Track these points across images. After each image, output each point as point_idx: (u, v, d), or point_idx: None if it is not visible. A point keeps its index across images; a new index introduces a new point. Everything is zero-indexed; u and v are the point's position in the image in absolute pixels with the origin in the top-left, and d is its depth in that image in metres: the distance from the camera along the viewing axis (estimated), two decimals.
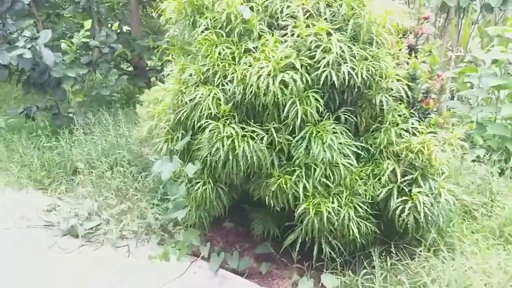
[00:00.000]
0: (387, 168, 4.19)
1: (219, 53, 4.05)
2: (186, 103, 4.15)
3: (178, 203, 4.46)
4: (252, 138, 3.98)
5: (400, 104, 4.29)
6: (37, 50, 6.45)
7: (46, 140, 6.77)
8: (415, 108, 4.43)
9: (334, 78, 3.84)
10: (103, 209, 5.37)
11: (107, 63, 7.85)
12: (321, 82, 3.94)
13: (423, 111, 4.47)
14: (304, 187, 4.01)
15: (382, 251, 4.23)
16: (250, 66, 3.95)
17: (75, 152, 6.30)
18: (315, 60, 3.88)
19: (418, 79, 4.35)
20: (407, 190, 4.13)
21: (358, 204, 4.09)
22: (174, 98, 4.35)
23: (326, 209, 3.98)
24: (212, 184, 4.32)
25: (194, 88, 4.14)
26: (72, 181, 6.11)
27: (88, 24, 6.65)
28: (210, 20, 4.14)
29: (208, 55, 4.09)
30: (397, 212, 4.06)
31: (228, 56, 4.06)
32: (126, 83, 9.36)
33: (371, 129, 4.32)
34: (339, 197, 4.07)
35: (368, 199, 4.13)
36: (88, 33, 6.69)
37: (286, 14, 4.10)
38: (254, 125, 4.02)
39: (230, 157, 3.98)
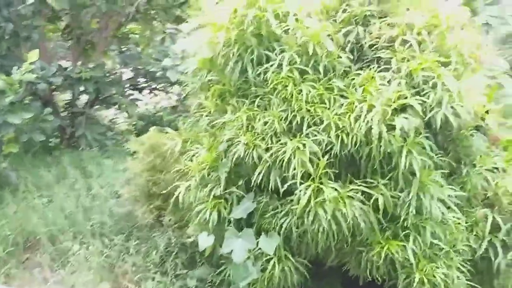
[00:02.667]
0: (481, 217, 3.65)
1: (306, 95, 3.17)
2: (265, 160, 3.18)
3: None
4: (358, 199, 3.14)
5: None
6: None
7: None
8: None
9: (451, 118, 3.18)
10: None
11: (40, 100, 6.32)
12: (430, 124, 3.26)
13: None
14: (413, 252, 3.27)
15: None
16: (349, 109, 3.13)
17: (26, 221, 4.78)
18: (429, 99, 3.17)
19: None
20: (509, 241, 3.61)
21: (461, 264, 3.46)
22: (231, 151, 3.35)
23: (438, 276, 3.28)
24: (291, 261, 3.37)
25: (275, 140, 3.19)
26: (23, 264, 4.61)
27: (34, 55, 5.17)
28: (287, 53, 3.24)
29: (290, 97, 3.18)
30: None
31: (315, 98, 3.20)
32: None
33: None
34: (447, 259, 3.41)
35: (469, 256, 3.54)
36: (33, 66, 5.20)
37: (373, 46, 3.37)
38: (358, 182, 3.19)
39: (333, 226, 3.10)
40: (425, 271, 3.29)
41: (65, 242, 4.57)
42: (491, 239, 3.62)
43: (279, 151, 3.14)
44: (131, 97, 8.22)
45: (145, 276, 4.31)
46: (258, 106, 3.34)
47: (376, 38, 3.41)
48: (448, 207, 3.39)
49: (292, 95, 3.18)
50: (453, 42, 3.37)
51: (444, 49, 3.34)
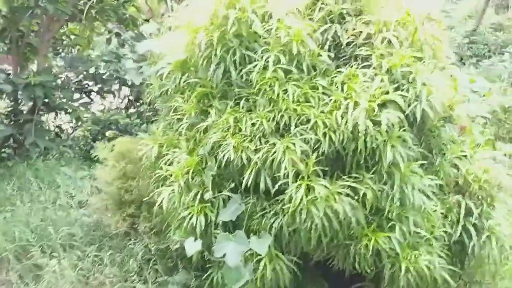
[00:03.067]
0: (454, 203, 3.83)
1: (292, 94, 3.19)
2: (254, 161, 3.17)
3: None
4: (346, 195, 3.21)
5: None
6: None
7: None
8: None
9: (430, 112, 3.31)
10: None
11: None
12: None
13: None
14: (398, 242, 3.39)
15: None
16: (335, 106, 3.19)
17: None
18: (408, 94, 3.28)
19: None
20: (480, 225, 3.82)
21: (441, 251, 3.63)
22: (217, 154, 3.33)
23: (422, 263, 3.42)
24: (282, 260, 3.39)
25: (263, 141, 3.20)
26: None
27: None
28: (271, 53, 3.24)
29: (277, 98, 3.19)
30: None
31: (301, 97, 3.23)
32: None
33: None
34: (428, 246, 3.55)
35: (446, 241, 3.71)
36: None
37: (350, 43, 3.45)
38: (345, 178, 3.25)
39: (325, 222, 3.15)
40: (410, 259, 3.40)
41: (34, 257, 4.34)
42: (464, 223, 3.79)
43: (269, 151, 3.14)
44: (81, 101, 7.91)
45: (124, 286, 4.18)
46: (242, 108, 3.31)
47: (353, 35, 3.48)
48: (427, 196, 3.52)
49: (279, 95, 3.18)
50: (423, 37, 3.49)
51: (418, 44, 3.46)
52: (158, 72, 3.99)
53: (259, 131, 3.20)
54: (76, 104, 7.76)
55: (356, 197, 3.24)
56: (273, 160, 3.14)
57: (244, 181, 3.21)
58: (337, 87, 3.28)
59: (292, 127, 3.19)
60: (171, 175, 3.63)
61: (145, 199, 4.26)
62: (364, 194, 3.26)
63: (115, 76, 7.56)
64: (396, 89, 3.30)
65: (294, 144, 3.13)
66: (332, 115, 3.17)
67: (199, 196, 3.49)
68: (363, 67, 3.37)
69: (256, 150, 3.19)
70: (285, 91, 3.21)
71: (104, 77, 7.86)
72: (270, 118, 3.21)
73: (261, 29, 3.31)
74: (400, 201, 3.37)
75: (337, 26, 3.47)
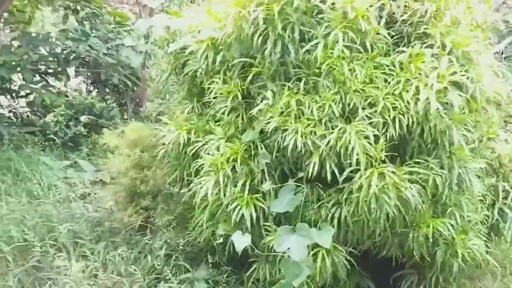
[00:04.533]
0: (490, 186, 3.82)
1: (359, 75, 2.97)
2: (320, 148, 2.92)
3: None
4: (413, 181, 3.06)
5: None
6: None
7: None
8: None
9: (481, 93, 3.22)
10: None
11: None
12: None
13: None
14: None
15: None
16: (403, 88, 3.00)
17: None
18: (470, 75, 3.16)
19: None
20: None
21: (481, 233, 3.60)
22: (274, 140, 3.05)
23: (473, 247, 3.37)
24: (341, 251, 3.19)
25: (330, 126, 2.95)
26: None
27: None
28: (337, 30, 2.98)
29: (344, 79, 2.95)
30: None
31: (366, 78, 3.01)
32: None
33: None
34: (475, 230, 3.51)
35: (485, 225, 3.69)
36: None
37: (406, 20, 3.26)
38: (411, 163, 3.09)
39: (395, 212, 2.98)
40: (464, 244, 3.32)
41: (36, 257, 3.85)
42: (500, 207, 3.78)
43: (339, 137, 2.90)
44: (42, 83, 7.21)
45: (144, 286, 3.81)
46: (302, 90, 3.04)
47: (406, 13, 3.29)
48: (478, 177, 3.46)
49: (346, 76, 2.94)
50: (477, 17, 3.38)
51: (472, 24, 3.34)
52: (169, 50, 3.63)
53: (325, 115, 2.94)
54: (36, 86, 7.07)
55: (423, 184, 3.08)
56: (342, 146, 2.89)
57: (309, 170, 2.94)
58: (401, 67, 3.08)
59: (360, 110, 2.96)
60: (212, 164, 3.28)
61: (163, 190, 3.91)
62: (426, 180, 3.11)
63: (84, 56, 6.93)
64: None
65: (364, 129, 2.91)
66: (401, 96, 2.97)
67: (247, 186, 3.18)
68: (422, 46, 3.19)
69: (322, 136, 2.93)
70: (352, 71, 2.97)
71: (71, 57, 7.19)
72: (336, 101, 2.96)
73: (323, 3, 3.02)
74: (457, 186, 3.26)
75: (391, 2, 3.26)
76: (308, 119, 2.96)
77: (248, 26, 3.08)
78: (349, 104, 2.96)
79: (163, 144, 3.68)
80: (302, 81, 3.05)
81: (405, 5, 3.32)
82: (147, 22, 4.32)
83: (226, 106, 3.35)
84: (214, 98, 3.41)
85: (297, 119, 2.97)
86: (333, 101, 2.96)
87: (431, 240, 3.19)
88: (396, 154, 3.14)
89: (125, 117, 6.76)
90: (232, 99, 3.28)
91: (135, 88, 7.41)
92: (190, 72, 3.66)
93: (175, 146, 3.59)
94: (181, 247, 3.94)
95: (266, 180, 3.11)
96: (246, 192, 3.18)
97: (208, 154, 3.38)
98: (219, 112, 3.41)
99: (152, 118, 6.08)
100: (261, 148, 3.16)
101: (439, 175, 3.16)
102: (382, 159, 3.01)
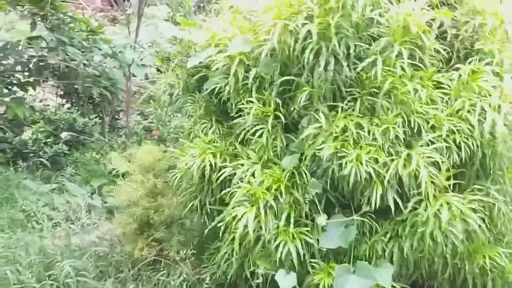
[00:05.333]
0: None
1: (420, 95, 2.70)
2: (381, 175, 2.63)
3: None
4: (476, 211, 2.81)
5: None
6: None
7: None
8: None
9: None
10: None
11: None
12: None
13: None
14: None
15: None
16: (468, 108, 2.75)
17: None
18: None
19: None
20: None
21: None
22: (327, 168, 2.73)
23: None
24: None
25: (392, 151, 2.66)
26: None
27: None
28: (395, 45, 2.70)
29: (405, 99, 2.67)
30: None
31: (427, 97, 2.74)
32: None
33: None
34: None
35: None
36: None
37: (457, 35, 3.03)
38: (474, 190, 2.85)
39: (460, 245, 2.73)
40: None
41: None
42: None
43: (406, 163, 2.60)
44: (12, 96, 6.56)
45: None
46: (358, 112, 2.73)
47: (455, 27, 3.06)
48: None
49: (409, 96, 2.66)
50: None
51: None
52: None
53: (387, 139, 2.64)
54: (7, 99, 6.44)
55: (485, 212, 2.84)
56: (407, 174, 2.60)
57: (372, 200, 2.63)
58: (463, 86, 2.83)
59: (424, 134, 2.68)
60: (248, 193, 2.92)
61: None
62: (484, 207, 2.87)
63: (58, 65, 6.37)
64: None
65: (431, 154, 2.63)
66: (465, 118, 2.72)
67: (292, 218, 2.84)
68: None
69: (384, 163, 2.63)
70: (415, 90, 2.69)
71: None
72: (398, 124, 2.67)
73: (378, 15, 2.74)
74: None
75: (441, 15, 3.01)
76: (368, 145, 2.64)
77: (293, 40, 2.74)
78: (412, 128, 2.67)
79: (180, 168, 3.31)
80: (358, 102, 2.74)
81: (453, 18, 3.08)
82: (152, 32, 3.90)
83: (263, 127, 3.00)
84: (243, 118, 3.05)
85: (356, 144, 2.65)
86: (395, 124, 2.66)
87: (489, 272, 2.93)
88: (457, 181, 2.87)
89: (104, 131, 6.20)
90: (266, 119, 2.93)
91: (115, 101, 6.88)
92: (210, 89, 3.29)
93: (198, 172, 3.21)
94: (202, 284, 3.53)
95: (320, 213, 2.77)
96: (291, 225, 2.83)
97: (241, 181, 3.01)
98: (253, 134, 3.05)
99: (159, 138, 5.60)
100: (305, 175, 2.82)
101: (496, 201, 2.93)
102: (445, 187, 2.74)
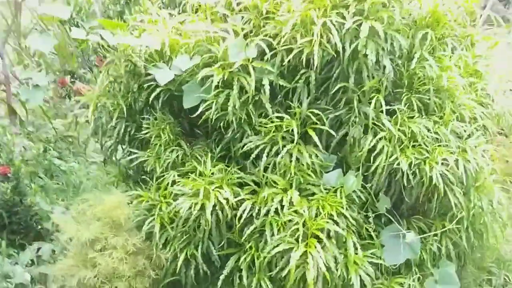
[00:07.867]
0: None
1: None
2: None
3: None
4: None
5: None
6: None
7: None
8: None
9: None
10: None
11: None
12: None
13: None
14: None
15: None
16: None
17: None
18: None
19: None
20: None
21: None
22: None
23: None
24: None
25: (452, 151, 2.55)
26: None
27: None
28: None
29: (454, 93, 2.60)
30: None
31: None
32: None
33: None
34: None
35: None
36: None
37: None
38: None
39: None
40: None
41: None
42: None
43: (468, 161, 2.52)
44: None
45: None
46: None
47: None
48: None
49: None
50: None
51: None
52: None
53: (448, 139, 2.51)
54: None
55: None
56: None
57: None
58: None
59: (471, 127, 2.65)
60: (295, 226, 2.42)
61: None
62: None
63: None
64: None
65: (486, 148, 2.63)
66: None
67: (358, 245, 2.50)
68: None
69: (456, 161, 2.50)
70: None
71: None
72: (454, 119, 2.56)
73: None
74: None
75: None
76: (439, 146, 2.47)
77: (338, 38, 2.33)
78: (464, 122, 2.59)
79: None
80: (414, 102, 2.51)
81: None
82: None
83: (287, 146, 2.52)
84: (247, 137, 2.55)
85: (428, 148, 2.45)
86: (453, 120, 2.54)
87: None
88: None
89: None
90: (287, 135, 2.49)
91: None
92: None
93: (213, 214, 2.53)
94: None
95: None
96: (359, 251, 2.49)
97: (278, 217, 2.49)
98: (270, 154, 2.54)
99: None
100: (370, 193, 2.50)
101: None
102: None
